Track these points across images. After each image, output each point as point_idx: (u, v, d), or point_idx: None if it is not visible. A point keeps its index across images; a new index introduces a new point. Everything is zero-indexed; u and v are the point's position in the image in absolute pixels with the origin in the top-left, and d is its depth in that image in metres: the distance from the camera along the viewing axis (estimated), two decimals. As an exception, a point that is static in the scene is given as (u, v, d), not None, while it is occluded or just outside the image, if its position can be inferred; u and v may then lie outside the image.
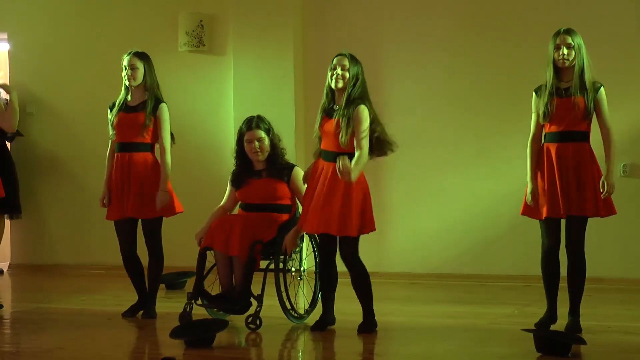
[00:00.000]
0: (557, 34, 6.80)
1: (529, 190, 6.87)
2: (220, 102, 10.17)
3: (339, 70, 6.80)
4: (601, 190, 6.70)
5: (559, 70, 6.81)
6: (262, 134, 7.31)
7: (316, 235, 7.16)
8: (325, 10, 10.00)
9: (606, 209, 6.79)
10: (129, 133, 7.46)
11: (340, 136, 6.72)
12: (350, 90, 6.79)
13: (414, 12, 9.80)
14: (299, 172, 7.30)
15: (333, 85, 6.84)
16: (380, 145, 6.82)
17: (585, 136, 6.78)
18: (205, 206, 8.07)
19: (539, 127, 6.89)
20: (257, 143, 7.30)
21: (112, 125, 7.52)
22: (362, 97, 6.81)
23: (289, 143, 9.45)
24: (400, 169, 9.70)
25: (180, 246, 8.98)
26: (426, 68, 9.74)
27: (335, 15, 9.98)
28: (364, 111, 6.73)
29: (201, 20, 10.19)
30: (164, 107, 7.49)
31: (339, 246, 6.86)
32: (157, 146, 7.55)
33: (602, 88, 6.78)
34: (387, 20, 9.84)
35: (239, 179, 7.40)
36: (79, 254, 10.48)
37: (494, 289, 9.09)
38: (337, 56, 6.90)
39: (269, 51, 9.86)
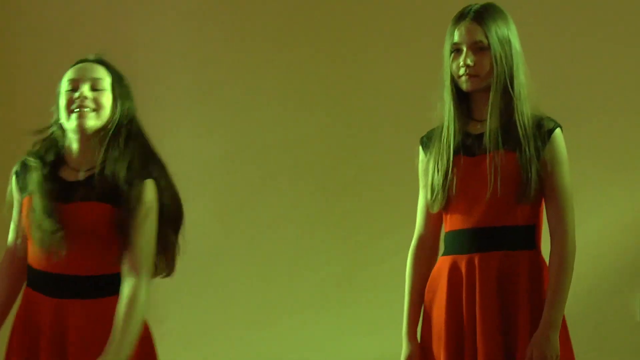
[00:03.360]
0: (459, 18, 3.37)
1: (404, 351, 3.45)
2: None
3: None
4: None
5: (466, 95, 3.39)
6: None
7: None
8: None
9: None
10: None
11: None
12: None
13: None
14: None
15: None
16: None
17: (528, 235, 3.35)
18: None
19: (432, 220, 3.48)
20: None
21: None
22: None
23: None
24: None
25: None
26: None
27: None
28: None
29: None
30: None
31: None
32: None
33: (557, 130, 3.34)
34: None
35: None
36: None
37: None
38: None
39: None
